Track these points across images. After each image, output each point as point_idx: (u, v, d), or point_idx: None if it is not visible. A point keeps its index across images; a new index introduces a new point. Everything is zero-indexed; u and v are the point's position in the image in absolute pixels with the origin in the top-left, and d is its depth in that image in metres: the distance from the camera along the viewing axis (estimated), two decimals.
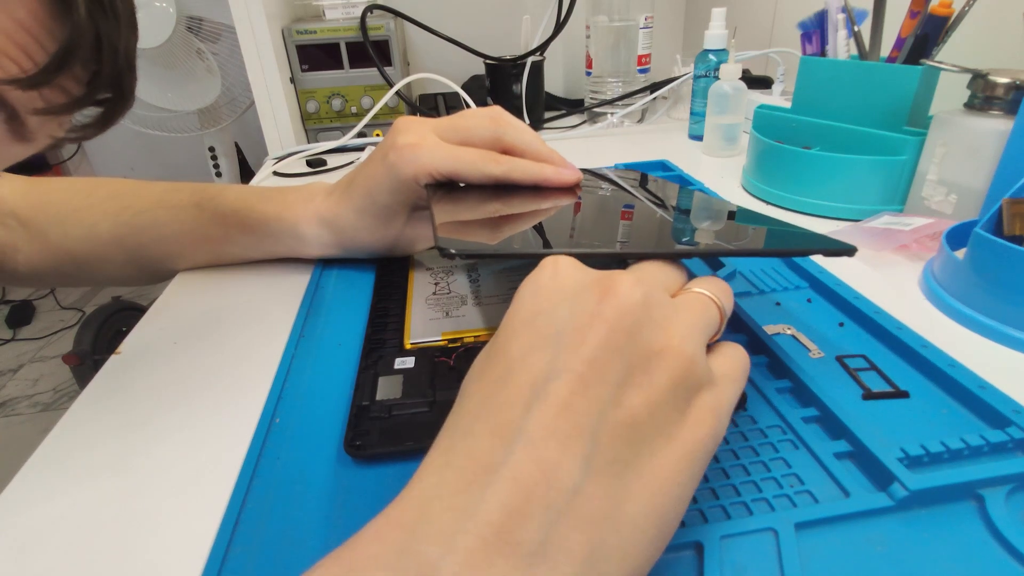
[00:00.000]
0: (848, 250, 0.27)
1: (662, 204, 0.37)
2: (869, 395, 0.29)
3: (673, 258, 0.25)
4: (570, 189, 0.36)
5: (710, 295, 0.22)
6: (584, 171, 0.37)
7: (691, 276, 0.25)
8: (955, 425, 0.27)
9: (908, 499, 0.22)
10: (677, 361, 0.19)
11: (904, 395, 0.29)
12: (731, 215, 0.35)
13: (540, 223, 0.31)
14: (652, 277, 0.22)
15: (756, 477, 0.24)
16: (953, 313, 0.35)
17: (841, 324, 0.35)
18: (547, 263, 0.21)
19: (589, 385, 0.17)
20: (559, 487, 0.16)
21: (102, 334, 1.41)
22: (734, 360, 0.22)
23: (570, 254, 0.22)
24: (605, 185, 0.38)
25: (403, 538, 0.16)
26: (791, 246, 0.29)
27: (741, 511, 0.23)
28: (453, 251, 0.23)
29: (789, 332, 0.34)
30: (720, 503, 0.23)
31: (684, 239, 0.30)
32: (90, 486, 0.26)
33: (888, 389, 0.29)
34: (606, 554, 0.16)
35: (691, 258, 0.39)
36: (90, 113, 0.25)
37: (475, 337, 0.34)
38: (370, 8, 0.79)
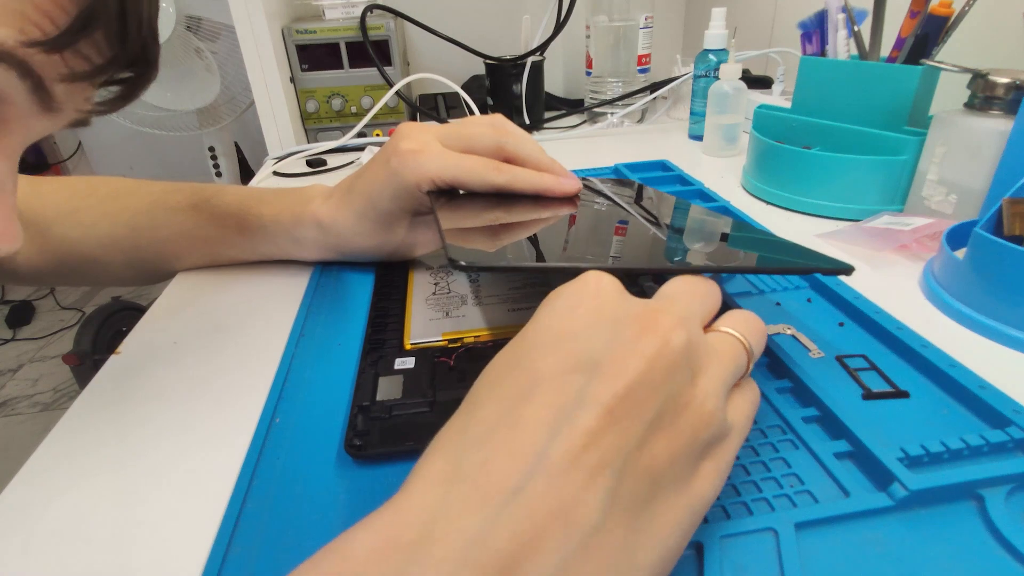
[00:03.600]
0: (846, 269, 0.28)
1: (660, 220, 0.38)
2: (869, 395, 0.29)
3: (678, 273, 0.25)
4: (570, 199, 0.36)
5: (742, 340, 0.22)
6: (583, 182, 0.38)
7: (722, 295, 0.24)
8: (955, 425, 0.27)
9: (908, 499, 0.22)
10: (702, 419, 0.18)
11: (904, 395, 0.29)
12: (731, 230, 0.36)
13: (549, 234, 0.31)
14: (691, 313, 0.21)
15: (756, 477, 0.24)
16: (953, 313, 0.35)
17: (841, 324, 0.35)
18: (590, 279, 0.21)
19: (620, 421, 0.16)
20: (577, 524, 0.15)
21: (102, 334, 1.41)
22: (747, 405, 0.21)
23: (574, 268, 0.22)
24: (602, 200, 0.38)
25: (403, 561, 0.15)
26: (791, 264, 0.30)
27: (741, 511, 0.23)
28: (463, 263, 0.23)
29: (789, 332, 0.34)
30: (720, 503, 0.23)
31: (687, 256, 0.31)
32: (90, 486, 0.26)
33: (888, 389, 0.29)
34: None
35: (692, 274, 0.39)
36: (114, 89, 0.24)
37: (475, 337, 0.34)
38: (370, 8, 0.79)
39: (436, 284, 0.41)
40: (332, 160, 0.72)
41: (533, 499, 0.15)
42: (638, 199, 0.39)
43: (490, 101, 0.86)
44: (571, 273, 0.22)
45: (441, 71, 0.77)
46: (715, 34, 0.70)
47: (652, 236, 0.33)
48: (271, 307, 0.40)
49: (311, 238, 0.42)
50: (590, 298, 0.20)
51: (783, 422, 0.27)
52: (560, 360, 0.18)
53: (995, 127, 0.40)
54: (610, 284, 0.20)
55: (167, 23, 1.14)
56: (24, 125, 0.22)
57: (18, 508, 0.25)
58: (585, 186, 0.37)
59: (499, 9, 0.97)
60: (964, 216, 0.42)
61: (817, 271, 0.28)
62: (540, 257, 0.27)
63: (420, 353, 0.33)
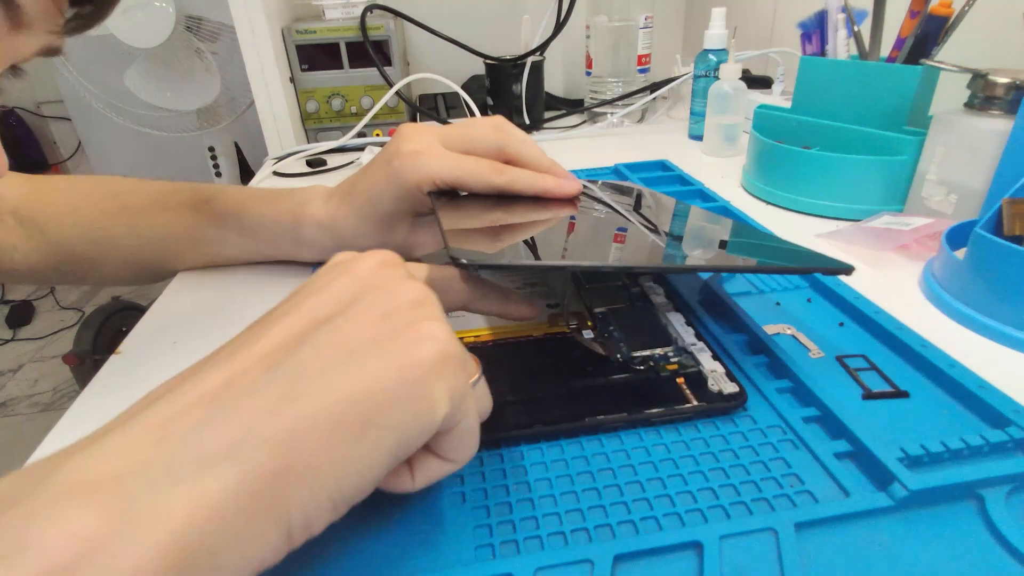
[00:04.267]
0: (846, 269, 0.28)
1: (660, 221, 0.38)
2: (869, 395, 0.29)
3: (676, 273, 0.25)
4: (570, 200, 0.36)
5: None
6: (584, 189, 0.38)
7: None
8: (955, 425, 0.27)
9: (908, 499, 0.22)
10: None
11: (904, 395, 0.29)
12: (731, 230, 0.36)
13: (549, 235, 0.31)
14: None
15: (756, 477, 0.24)
16: (953, 313, 0.35)
17: (841, 324, 0.35)
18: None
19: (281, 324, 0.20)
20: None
21: (102, 334, 1.41)
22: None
23: (574, 266, 0.23)
24: (601, 204, 0.38)
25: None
26: (791, 264, 0.30)
27: (741, 511, 0.23)
28: (464, 261, 0.23)
29: (789, 332, 0.34)
30: (720, 503, 0.23)
31: (684, 256, 0.31)
32: None
33: (888, 389, 0.29)
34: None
35: (693, 272, 0.39)
36: (84, 10, 0.24)
37: (475, 337, 0.34)
38: (370, 8, 0.79)
39: None
40: (332, 160, 0.72)
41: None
42: (637, 203, 0.40)
43: (490, 101, 0.86)
44: (570, 271, 0.22)
45: (441, 71, 0.77)
46: (715, 34, 0.70)
47: (652, 237, 0.33)
48: (271, 307, 0.40)
49: (311, 238, 0.42)
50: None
51: (783, 422, 0.27)
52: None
53: (995, 127, 0.40)
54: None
55: (167, 23, 1.14)
56: None
57: None
58: (585, 194, 0.37)
59: (499, 9, 0.97)
60: (964, 216, 0.42)
61: (817, 271, 0.28)
62: (540, 257, 0.27)
63: None
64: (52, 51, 0.25)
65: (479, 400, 0.22)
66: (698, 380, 0.29)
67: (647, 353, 0.32)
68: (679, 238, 0.34)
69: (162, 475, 0.15)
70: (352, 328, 0.19)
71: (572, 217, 0.34)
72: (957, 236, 0.38)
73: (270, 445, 0.16)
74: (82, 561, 0.13)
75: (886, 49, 0.50)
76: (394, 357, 0.18)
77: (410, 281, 0.21)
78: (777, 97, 0.72)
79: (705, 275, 0.39)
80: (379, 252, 0.22)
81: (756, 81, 0.79)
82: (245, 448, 0.16)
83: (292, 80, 0.80)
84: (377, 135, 0.81)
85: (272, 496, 0.16)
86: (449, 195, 0.36)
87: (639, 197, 0.40)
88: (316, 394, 0.17)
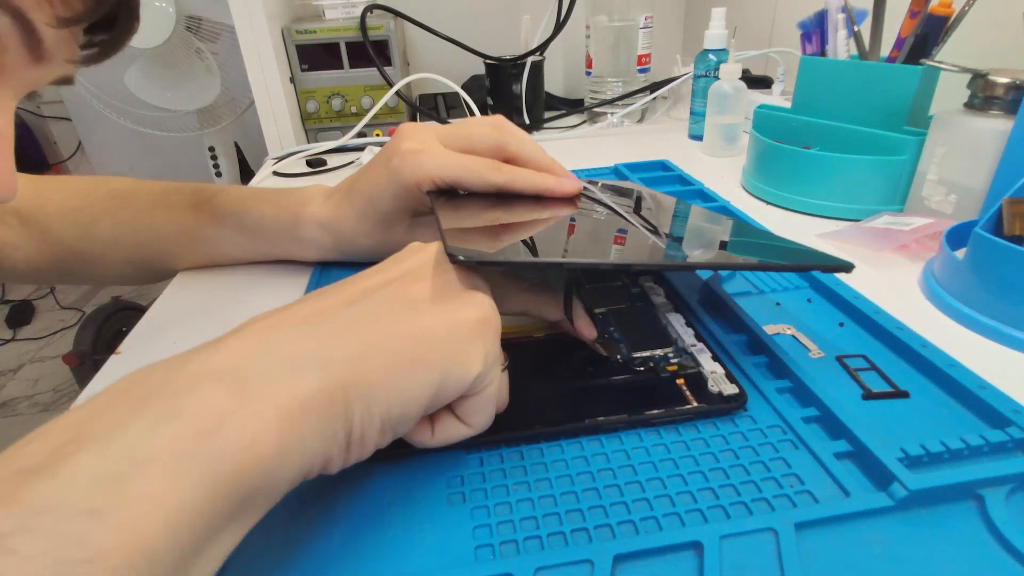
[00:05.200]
0: (845, 267, 0.28)
1: (660, 219, 0.38)
2: (869, 395, 0.29)
3: (676, 270, 0.25)
4: (570, 199, 0.36)
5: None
6: (583, 191, 0.38)
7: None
8: (955, 425, 0.27)
9: (908, 499, 0.22)
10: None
11: (904, 395, 0.29)
12: (731, 229, 0.36)
13: (548, 233, 0.31)
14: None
15: (756, 477, 0.24)
16: (953, 313, 0.35)
17: (841, 324, 0.35)
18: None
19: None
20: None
21: (102, 334, 1.41)
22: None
23: (572, 263, 0.23)
24: (602, 205, 0.38)
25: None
26: (790, 262, 0.30)
27: (741, 511, 0.23)
28: (462, 257, 0.23)
29: (789, 332, 0.34)
30: (720, 503, 0.23)
31: (685, 253, 0.31)
32: None
33: (888, 389, 0.29)
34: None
35: (693, 270, 0.39)
36: (98, 39, 0.26)
37: None
38: (370, 8, 0.79)
39: None
40: (332, 160, 0.72)
41: None
42: (638, 204, 0.40)
43: (490, 101, 0.86)
44: (569, 269, 0.22)
45: (441, 71, 0.77)
46: (715, 34, 0.70)
47: (652, 239, 0.33)
48: (271, 307, 0.40)
49: (311, 238, 0.42)
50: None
51: (783, 422, 0.27)
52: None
53: (995, 127, 0.40)
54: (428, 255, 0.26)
55: (168, 23, 1.14)
56: (17, 75, 0.23)
57: None
58: (585, 195, 0.37)
59: (499, 9, 0.97)
60: (964, 216, 0.42)
61: (816, 268, 0.28)
62: (539, 255, 0.27)
63: None
64: (66, 80, 0.26)
65: (501, 386, 0.25)
66: (698, 381, 0.29)
67: (647, 354, 0.32)
68: (679, 239, 0.34)
69: (266, 371, 0.19)
70: (418, 287, 0.23)
71: (572, 219, 0.34)
72: (957, 236, 0.38)
73: (343, 360, 0.20)
74: (220, 425, 0.17)
75: (886, 49, 0.50)
76: (446, 312, 0.22)
77: (472, 270, 0.26)
78: (777, 97, 0.72)
79: (705, 274, 0.39)
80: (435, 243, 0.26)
81: (756, 81, 0.79)
82: (324, 359, 0.19)
83: (292, 80, 0.80)
84: (377, 135, 0.81)
85: (343, 401, 0.19)
86: (449, 194, 0.36)
87: (639, 199, 0.41)
88: (381, 329, 0.21)
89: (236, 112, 1.32)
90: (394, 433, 0.21)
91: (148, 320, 0.40)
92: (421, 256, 0.25)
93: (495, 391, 0.24)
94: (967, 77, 0.43)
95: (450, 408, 0.24)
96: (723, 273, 0.40)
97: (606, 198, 0.39)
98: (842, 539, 0.22)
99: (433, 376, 0.21)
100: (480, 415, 0.24)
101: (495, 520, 0.23)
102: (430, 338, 0.21)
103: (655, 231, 0.34)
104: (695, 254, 0.31)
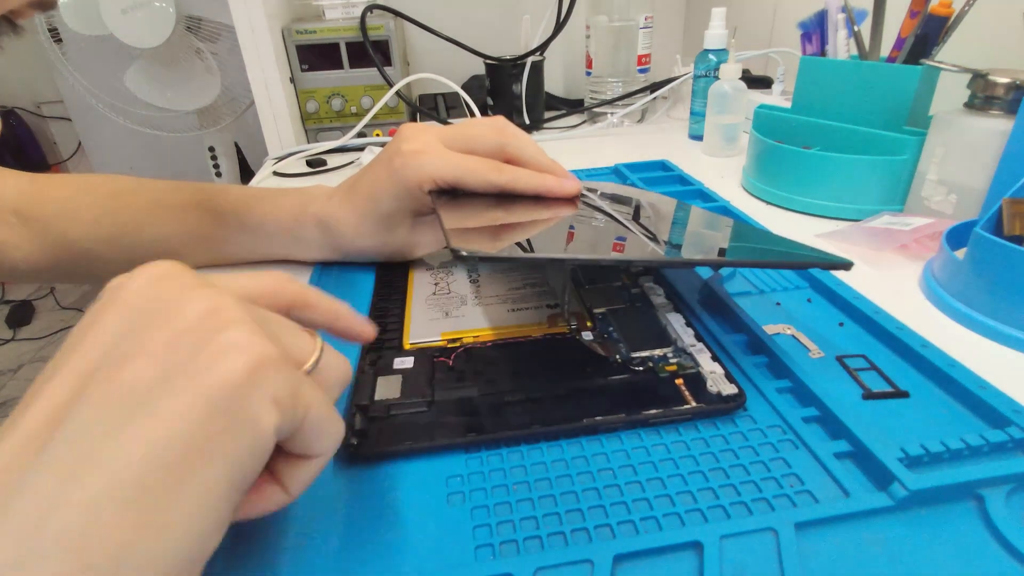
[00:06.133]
0: (844, 264, 0.28)
1: (660, 221, 0.38)
2: (869, 395, 0.29)
3: (675, 267, 0.25)
4: (570, 200, 0.36)
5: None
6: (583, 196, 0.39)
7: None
8: (955, 425, 0.27)
9: (908, 499, 0.22)
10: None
11: (904, 395, 0.29)
12: (730, 227, 0.36)
13: (549, 233, 0.32)
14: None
15: (756, 477, 0.24)
16: (953, 313, 0.35)
17: (841, 324, 0.35)
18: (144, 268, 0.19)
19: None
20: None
21: None
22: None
23: (573, 261, 0.23)
24: (601, 212, 0.39)
25: None
26: (790, 259, 0.30)
27: (741, 511, 0.23)
28: (465, 253, 0.24)
29: (789, 332, 0.34)
30: (720, 503, 0.23)
31: (684, 251, 0.31)
32: None
33: (888, 389, 0.29)
34: None
35: (692, 268, 0.39)
36: None
37: (475, 337, 0.34)
38: (370, 8, 0.79)
39: (436, 284, 0.41)
40: (332, 160, 0.72)
41: None
42: (636, 210, 0.40)
43: (490, 101, 0.86)
44: (570, 268, 0.22)
45: (441, 71, 0.77)
46: (715, 34, 0.70)
47: (652, 240, 0.33)
48: None
49: (312, 238, 0.42)
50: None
51: (783, 422, 0.27)
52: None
53: (995, 127, 0.40)
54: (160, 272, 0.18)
55: (167, 23, 1.14)
56: None
57: None
58: (585, 201, 0.38)
59: (499, 9, 0.97)
60: (964, 216, 0.42)
61: (815, 266, 0.28)
62: (539, 252, 0.27)
63: (419, 353, 0.33)
64: (45, 4, 0.24)
65: (325, 378, 0.20)
66: (697, 381, 0.29)
67: (646, 354, 0.32)
68: (678, 246, 0.34)
69: None
70: (132, 369, 0.16)
71: (571, 226, 0.34)
72: (957, 236, 0.38)
73: (59, 549, 0.13)
74: None
75: (886, 49, 0.50)
76: (190, 389, 0.16)
77: (196, 289, 0.18)
78: (777, 97, 0.72)
79: (705, 274, 0.39)
80: (155, 264, 0.19)
81: (756, 81, 0.79)
82: (29, 565, 0.13)
83: (292, 80, 0.80)
84: (377, 135, 0.81)
85: None
86: (450, 194, 0.36)
87: (638, 207, 0.41)
88: (103, 465, 0.14)
89: (236, 112, 1.32)
90: (204, 560, 0.16)
91: None
92: (117, 308, 0.17)
93: (321, 409, 0.19)
94: (967, 77, 0.43)
95: (284, 451, 0.19)
96: (723, 272, 0.40)
97: (605, 205, 0.39)
98: (842, 539, 0.22)
99: (212, 477, 0.16)
100: (322, 441, 0.19)
101: (495, 520, 0.23)
102: (182, 438, 0.15)
103: (654, 238, 0.35)
104: (692, 250, 0.32)
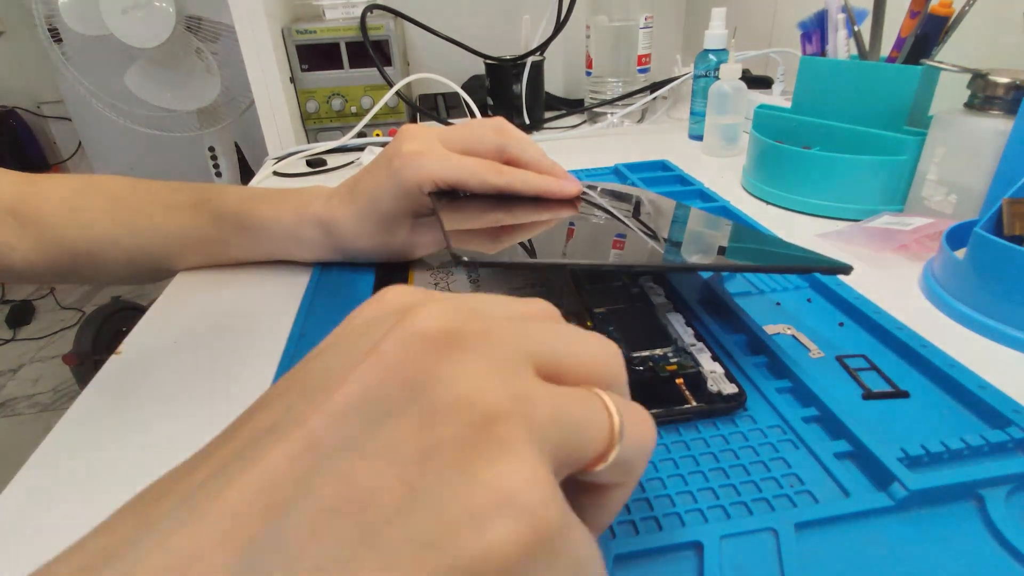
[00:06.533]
0: (844, 268, 0.28)
1: (660, 222, 0.38)
2: (869, 395, 0.29)
3: (676, 272, 0.25)
4: (570, 201, 0.36)
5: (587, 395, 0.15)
6: (583, 195, 0.39)
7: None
8: (955, 425, 0.27)
9: (908, 499, 0.22)
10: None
11: (904, 395, 0.29)
12: (731, 231, 0.36)
13: (549, 235, 0.32)
14: (491, 314, 0.15)
15: (756, 477, 0.24)
16: (953, 313, 0.35)
17: (841, 324, 0.35)
18: (385, 293, 0.16)
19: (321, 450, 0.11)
20: None
21: (102, 334, 1.41)
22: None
23: (574, 265, 0.23)
24: (601, 210, 0.39)
25: None
26: (789, 263, 0.30)
27: (741, 511, 0.23)
28: (466, 258, 0.24)
29: (789, 332, 0.34)
30: (720, 503, 0.23)
31: (683, 256, 0.31)
32: (90, 487, 0.26)
33: (888, 389, 0.29)
34: None
35: (693, 272, 0.39)
36: None
37: None
38: (370, 8, 0.79)
39: (436, 284, 0.41)
40: (332, 160, 0.72)
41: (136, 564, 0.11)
42: (636, 209, 0.40)
43: (490, 101, 0.86)
44: (570, 271, 0.22)
45: (441, 71, 0.77)
46: (715, 34, 0.70)
47: (651, 240, 0.33)
48: (271, 307, 0.40)
49: (312, 238, 0.42)
50: (370, 307, 0.15)
51: (783, 422, 0.27)
52: (281, 385, 0.14)
53: (995, 127, 0.40)
54: (397, 289, 0.15)
55: (167, 23, 1.14)
56: None
57: (17, 509, 0.25)
58: (585, 199, 0.38)
59: (499, 9, 0.97)
60: (964, 216, 0.42)
61: (816, 271, 0.28)
62: (540, 255, 0.27)
63: None
64: None
65: (628, 465, 0.15)
66: (697, 381, 0.29)
67: (646, 353, 0.32)
68: (678, 244, 0.34)
69: None
70: (369, 471, 0.11)
71: (572, 223, 0.34)
72: (957, 236, 0.38)
73: None
74: None
75: (886, 49, 0.50)
76: (434, 555, 0.11)
77: (466, 355, 0.13)
78: (777, 97, 0.72)
79: (705, 275, 0.39)
80: (456, 297, 0.14)
81: (756, 81, 0.79)
82: None
83: (292, 80, 0.80)
84: (377, 135, 0.81)
85: None
86: (450, 196, 0.36)
87: (638, 204, 0.41)
88: None
89: (236, 112, 1.32)
90: None
91: (148, 320, 0.40)
92: (378, 361, 0.12)
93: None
94: (967, 77, 0.43)
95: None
96: (724, 273, 0.40)
97: (605, 203, 0.39)
98: (842, 539, 0.22)
99: None
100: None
101: None
102: None
103: (654, 236, 0.35)
104: (694, 254, 0.32)
